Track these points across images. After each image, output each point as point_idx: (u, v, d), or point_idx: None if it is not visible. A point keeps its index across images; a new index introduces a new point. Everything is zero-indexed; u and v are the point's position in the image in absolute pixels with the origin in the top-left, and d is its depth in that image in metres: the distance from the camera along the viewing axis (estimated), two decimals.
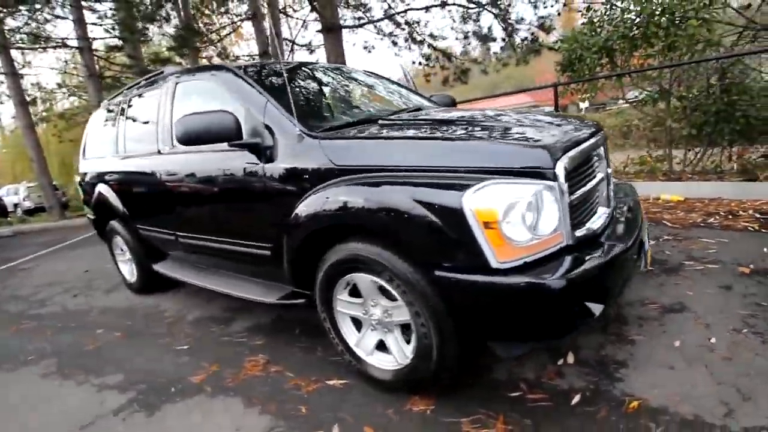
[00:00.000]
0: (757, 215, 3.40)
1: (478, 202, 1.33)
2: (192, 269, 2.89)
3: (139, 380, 2.20)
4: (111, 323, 3.09)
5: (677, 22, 4.21)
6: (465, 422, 1.55)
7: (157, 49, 9.76)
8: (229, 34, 9.96)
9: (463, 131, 1.67)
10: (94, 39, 9.18)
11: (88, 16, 8.73)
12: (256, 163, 1.97)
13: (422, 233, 1.42)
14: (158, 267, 3.14)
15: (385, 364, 1.77)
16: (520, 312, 1.36)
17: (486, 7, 7.15)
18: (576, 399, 1.59)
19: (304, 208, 1.77)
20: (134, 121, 3.06)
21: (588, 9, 4.96)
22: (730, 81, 3.98)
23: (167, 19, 7.70)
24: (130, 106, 3.12)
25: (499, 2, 6.84)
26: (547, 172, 1.39)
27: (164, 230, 2.85)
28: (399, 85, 3.13)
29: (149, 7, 6.97)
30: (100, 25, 8.99)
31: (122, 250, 3.63)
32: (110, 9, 7.81)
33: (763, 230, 3.06)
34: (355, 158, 1.68)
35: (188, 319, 2.95)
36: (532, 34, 6.97)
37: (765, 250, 2.67)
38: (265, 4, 8.03)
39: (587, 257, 1.41)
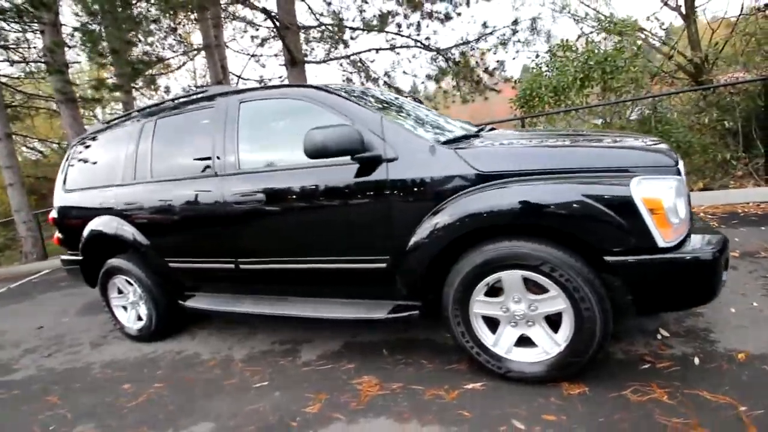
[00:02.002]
0: (710, 216, 4.25)
1: (644, 192, 1.59)
2: (244, 300, 2.65)
3: (241, 424, 1.95)
4: (135, 377, 2.63)
5: (609, 70, 5.25)
6: (626, 394, 1.73)
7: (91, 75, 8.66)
8: (181, 65, 9.36)
9: (590, 140, 1.96)
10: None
11: None
12: (382, 176, 2.00)
13: (595, 224, 1.63)
14: (193, 303, 2.80)
15: (532, 356, 1.88)
16: (685, 282, 1.62)
17: (439, 51, 7.92)
18: (697, 360, 1.88)
19: (448, 213, 1.85)
20: (168, 143, 2.79)
21: (537, 56, 5.92)
22: (661, 114, 5.06)
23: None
24: (159, 128, 2.84)
25: (446, 51, 7.68)
26: (675, 168, 1.72)
27: (215, 259, 2.59)
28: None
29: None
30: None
31: (123, 292, 3.14)
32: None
33: (723, 225, 3.85)
34: (501, 165, 1.83)
35: (239, 357, 2.67)
36: (478, 76, 7.94)
37: (736, 239, 3.39)
38: (214, 37, 7.84)
39: (708, 237, 1.74)
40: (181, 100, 2.85)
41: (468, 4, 7.11)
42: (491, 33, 6.56)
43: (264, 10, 6.73)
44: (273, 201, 2.30)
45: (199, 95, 2.75)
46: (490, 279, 1.86)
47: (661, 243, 1.59)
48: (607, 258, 1.64)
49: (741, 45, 5.73)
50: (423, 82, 8.59)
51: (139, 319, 3.16)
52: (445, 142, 2.06)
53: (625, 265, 1.62)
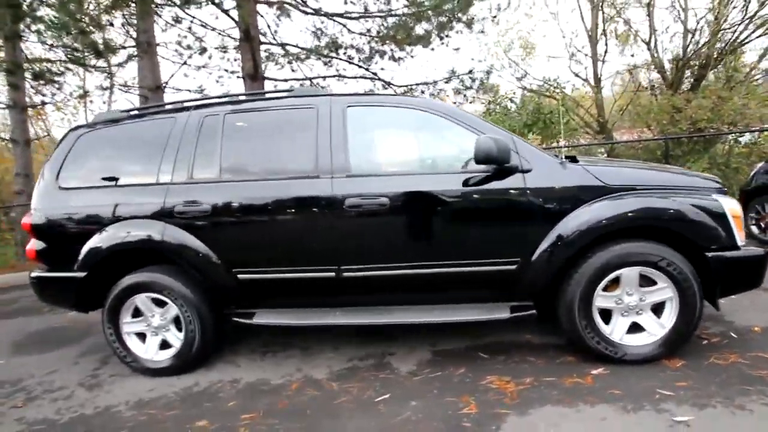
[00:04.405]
0: None
1: (728, 204, 2.17)
2: (330, 312, 2.47)
3: None
4: (202, 413, 2.18)
5: (550, 122, 6.47)
6: (714, 361, 2.21)
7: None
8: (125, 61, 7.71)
9: (663, 168, 2.52)
10: None
11: None
12: (519, 185, 2.22)
13: (701, 227, 2.13)
14: (266, 319, 2.47)
15: (641, 340, 2.25)
16: (748, 272, 2.21)
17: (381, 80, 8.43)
18: (734, 335, 2.51)
19: (587, 217, 2.16)
20: (243, 141, 2.51)
21: (489, 103, 6.88)
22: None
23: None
24: (229, 124, 2.53)
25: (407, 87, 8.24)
26: (725, 190, 2.38)
27: (311, 268, 2.38)
28: None
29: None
30: None
31: (144, 314, 2.57)
32: None
33: None
34: (620, 180, 2.25)
35: (322, 377, 2.44)
36: None
37: None
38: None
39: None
40: (257, 97, 2.63)
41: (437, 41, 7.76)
42: (450, 79, 7.42)
43: (227, 13, 6.35)
44: (398, 206, 2.29)
45: (286, 95, 2.59)
46: (612, 275, 2.22)
47: (740, 243, 2.17)
48: (708, 254, 2.15)
49: (637, 111, 7.76)
50: None
51: (165, 346, 2.61)
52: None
53: (719, 260, 2.15)
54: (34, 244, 2.66)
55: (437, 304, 2.44)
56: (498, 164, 2.15)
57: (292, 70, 7.81)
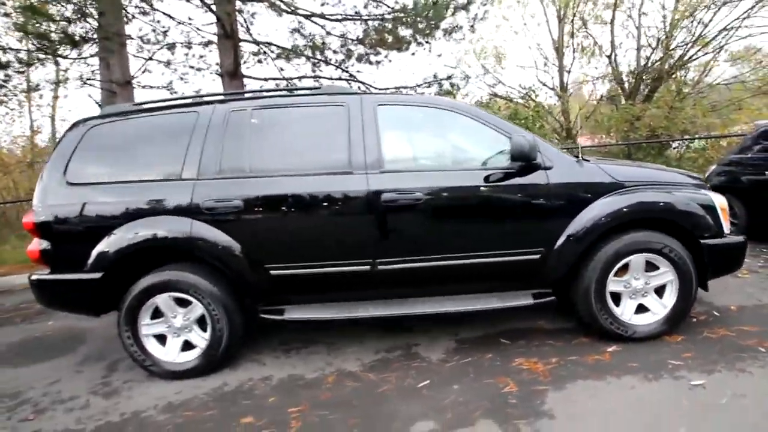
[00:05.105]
0: None
1: (717, 199, 2.49)
2: (360, 305, 2.53)
3: (462, 413, 1.94)
4: (244, 409, 2.15)
5: (527, 127, 6.88)
6: (707, 335, 2.52)
7: None
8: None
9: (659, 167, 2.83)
10: None
11: None
12: (543, 180, 2.41)
13: (697, 218, 2.43)
14: (297, 314, 2.48)
15: (646, 319, 2.52)
16: (733, 257, 2.55)
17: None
18: (717, 312, 2.85)
19: (606, 208, 2.39)
20: (273, 136, 2.50)
21: None
22: None
23: None
24: (255, 120, 2.51)
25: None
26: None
27: (346, 261, 2.42)
28: None
29: None
30: None
31: (165, 315, 2.47)
32: None
33: None
34: (628, 176, 2.51)
35: (355, 369, 2.48)
36: None
37: None
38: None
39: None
40: (280, 93, 2.64)
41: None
42: (431, 83, 7.63)
43: (211, 9, 6.12)
44: (432, 200, 2.40)
45: (313, 91, 2.62)
46: (623, 262, 2.47)
47: (726, 231, 2.50)
48: (702, 241, 2.45)
49: (596, 119, 8.42)
50: None
51: (187, 348, 2.53)
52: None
53: (710, 246, 2.46)
54: (38, 244, 2.46)
55: (465, 294, 2.58)
56: (528, 161, 2.33)
57: (282, 69, 7.67)
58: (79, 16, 5.12)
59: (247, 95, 2.67)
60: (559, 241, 2.43)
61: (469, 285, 2.56)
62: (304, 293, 2.54)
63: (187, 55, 7.56)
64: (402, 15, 6.93)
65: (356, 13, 7.76)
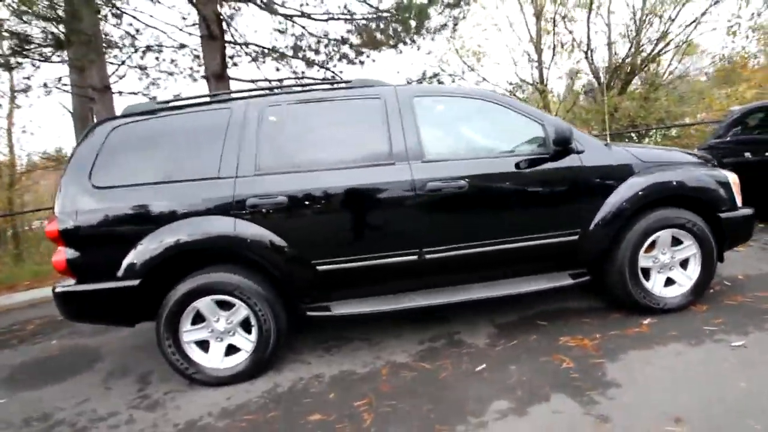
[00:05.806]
0: None
1: (730, 176, 2.69)
2: (406, 296, 2.54)
3: (532, 389, 1.99)
4: (310, 407, 2.10)
5: None
6: (730, 303, 2.70)
7: None
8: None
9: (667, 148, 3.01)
10: None
11: None
12: (576, 163, 2.52)
13: (717, 193, 2.62)
14: (347, 309, 2.45)
15: (674, 292, 2.67)
16: (746, 227, 2.75)
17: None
18: (728, 282, 3.07)
19: (635, 189, 2.52)
20: (308, 131, 2.47)
21: None
22: None
23: None
24: (289, 116, 2.46)
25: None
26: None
27: (393, 253, 2.42)
28: None
29: None
30: None
31: (206, 319, 2.38)
32: None
33: None
34: (652, 157, 2.67)
35: (404, 361, 2.48)
36: None
37: None
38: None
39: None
40: (313, 88, 2.62)
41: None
42: (422, 80, 7.70)
43: (197, 7, 5.91)
44: (475, 187, 2.45)
45: (346, 85, 2.61)
46: (652, 238, 2.61)
47: (739, 204, 2.71)
48: (721, 215, 2.64)
49: (573, 112, 8.81)
50: None
51: (231, 352, 2.44)
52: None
53: (728, 219, 2.65)
54: (64, 253, 2.31)
55: (506, 279, 2.64)
56: (566, 145, 2.42)
57: (276, 69, 7.56)
58: (54, 16, 4.81)
59: (276, 91, 2.63)
60: (595, 221, 2.54)
61: (513, 268, 2.62)
62: (351, 287, 2.51)
63: (158, 59, 7.27)
64: (395, 13, 7.01)
65: (348, 11, 7.79)
